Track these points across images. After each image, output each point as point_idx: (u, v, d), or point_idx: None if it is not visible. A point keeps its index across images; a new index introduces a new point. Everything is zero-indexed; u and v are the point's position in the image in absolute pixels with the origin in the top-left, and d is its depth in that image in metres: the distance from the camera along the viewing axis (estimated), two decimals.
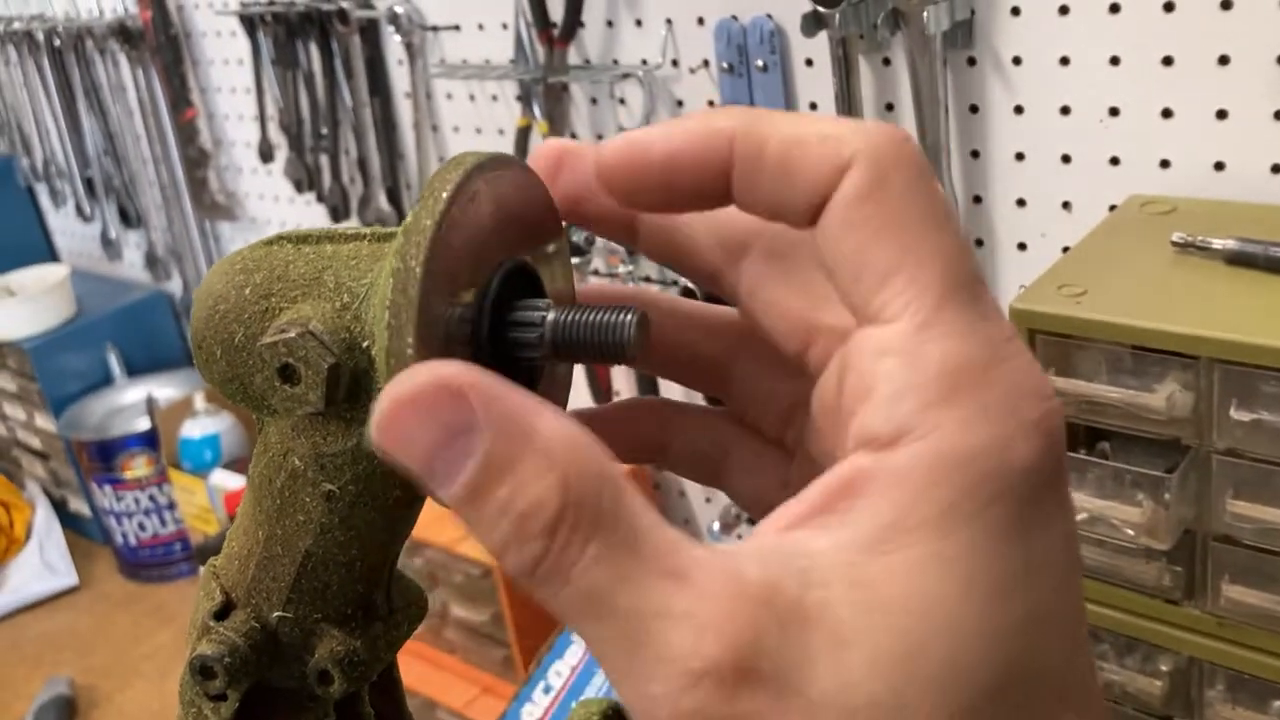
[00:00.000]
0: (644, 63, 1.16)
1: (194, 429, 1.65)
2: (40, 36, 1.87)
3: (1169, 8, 0.83)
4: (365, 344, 0.30)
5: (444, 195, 0.29)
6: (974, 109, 0.96)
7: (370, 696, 0.38)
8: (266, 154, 1.61)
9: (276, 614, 0.33)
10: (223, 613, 0.34)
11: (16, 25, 1.91)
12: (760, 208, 0.24)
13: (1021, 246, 0.98)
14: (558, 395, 0.35)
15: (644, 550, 0.20)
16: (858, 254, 0.22)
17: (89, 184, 2.00)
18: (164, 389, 1.84)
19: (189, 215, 1.85)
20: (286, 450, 0.32)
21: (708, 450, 0.30)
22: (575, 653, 1.13)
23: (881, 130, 0.23)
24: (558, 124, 1.24)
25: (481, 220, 0.31)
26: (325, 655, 0.34)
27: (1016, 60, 0.92)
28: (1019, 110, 0.94)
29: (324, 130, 1.51)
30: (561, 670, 1.12)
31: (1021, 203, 0.97)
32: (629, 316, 0.30)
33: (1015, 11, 0.91)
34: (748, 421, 0.30)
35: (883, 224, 0.22)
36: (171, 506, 1.76)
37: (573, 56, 1.21)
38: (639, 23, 1.15)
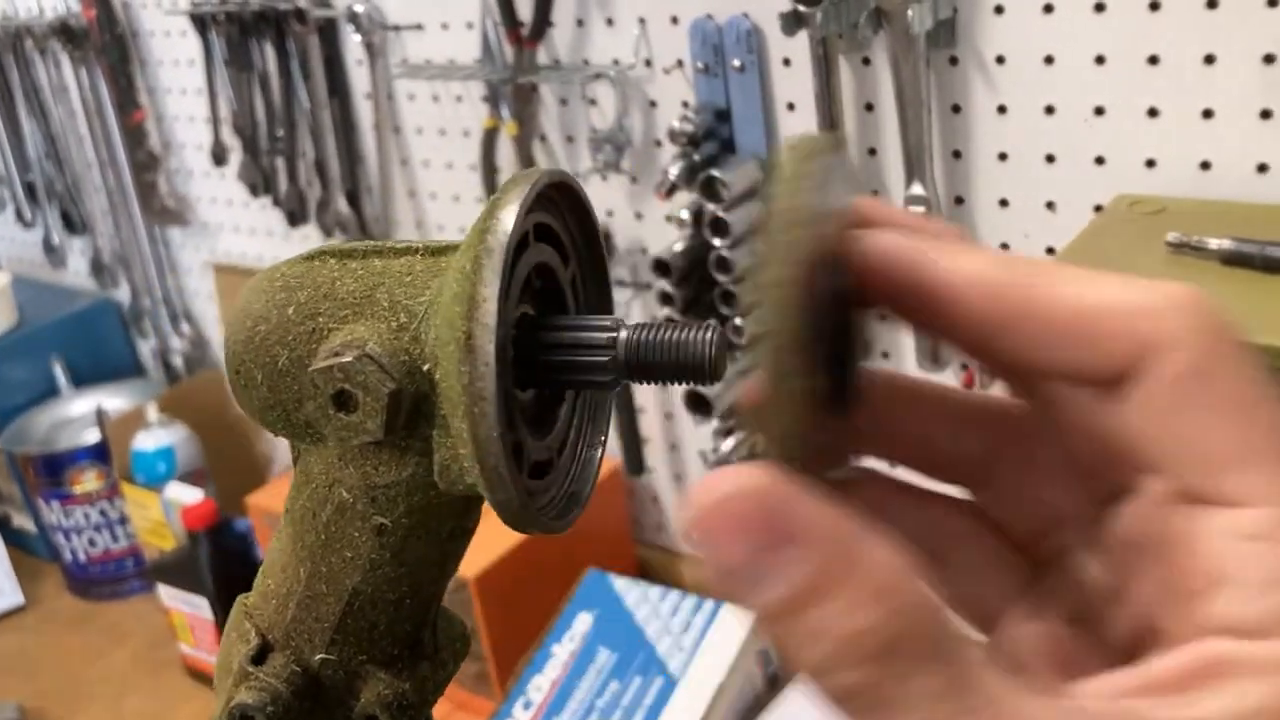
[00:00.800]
0: (616, 63, 1.14)
1: (147, 441, 1.60)
2: None
3: (1154, 7, 0.83)
4: (426, 367, 0.28)
5: (512, 214, 0.27)
6: (956, 109, 0.95)
7: None
8: (220, 157, 1.57)
9: (319, 656, 0.31)
10: (260, 656, 0.31)
11: None
12: (1034, 365, 0.24)
13: (1005, 247, 0.98)
14: (601, 420, 0.33)
15: (980, 689, 0.20)
16: (1194, 435, 0.22)
17: (29, 189, 1.93)
18: (113, 400, 1.78)
19: (137, 220, 1.79)
20: (333, 482, 0.29)
21: (927, 540, 0.27)
22: (555, 666, 1.11)
23: (1192, 301, 0.22)
24: (527, 125, 1.22)
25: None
26: (372, 699, 0.32)
27: (1000, 59, 0.92)
28: (1002, 110, 0.93)
29: (280, 132, 1.47)
30: (541, 685, 1.10)
31: (1005, 203, 0.96)
32: (709, 334, 0.28)
33: (999, 10, 0.90)
34: (989, 516, 0.27)
35: (1219, 405, 0.22)
36: (123, 521, 1.70)
37: (542, 56, 1.18)
38: (610, 22, 1.13)
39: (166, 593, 1.45)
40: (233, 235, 1.70)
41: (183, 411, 1.64)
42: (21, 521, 1.87)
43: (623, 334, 0.28)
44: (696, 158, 1.06)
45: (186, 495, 1.51)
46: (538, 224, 0.29)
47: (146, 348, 1.95)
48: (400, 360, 0.28)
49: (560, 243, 0.30)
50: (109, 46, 1.62)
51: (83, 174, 1.84)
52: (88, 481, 1.68)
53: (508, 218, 0.26)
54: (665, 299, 1.08)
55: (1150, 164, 0.87)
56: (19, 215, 1.97)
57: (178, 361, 1.89)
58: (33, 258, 2.05)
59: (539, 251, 0.29)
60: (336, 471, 0.29)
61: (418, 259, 0.29)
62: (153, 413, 1.61)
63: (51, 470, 1.68)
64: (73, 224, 1.90)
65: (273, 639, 0.32)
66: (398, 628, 0.31)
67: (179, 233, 1.79)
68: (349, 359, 0.27)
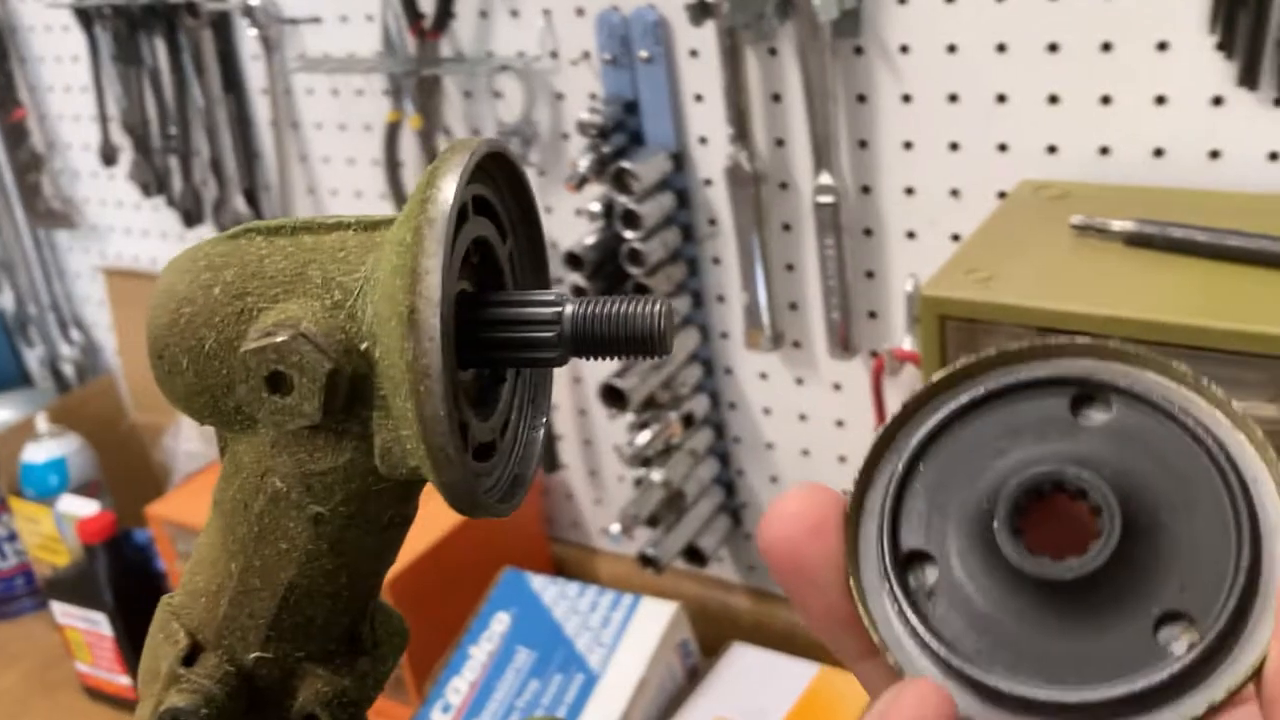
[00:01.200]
0: (521, 54, 1.13)
1: (37, 453, 1.53)
2: None
3: None
4: (364, 346, 0.26)
5: (453, 183, 0.26)
6: (862, 98, 0.96)
7: None
8: (109, 157, 1.51)
9: (254, 654, 0.30)
10: (191, 657, 0.30)
11: None
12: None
13: (910, 235, 0.99)
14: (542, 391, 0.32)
15: None
16: None
17: None
18: (0, 411, 1.71)
19: (20, 224, 1.72)
20: (265, 470, 0.28)
21: None
22: (473, 668, 1.09)
23: None
24: (430, 118, 1.20)
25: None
26: (311, 697, 0.30)
27: (904, 48, 0.93)
28: (907, 99, 0.94)
29: (173, 130, 1.43)
30: (460, 687, 1.08)
31: (910, 191, 0.97)
32: (657, 306, 0.28)
33: (902, 0, 0.91)
34: None
35: None
36: (12, 538, 1.63)
37: (445, 49, 1.17)
38: (515, 13, 1.12)
39: (61, 610, 1.39)
40: (124, 238, 1.64)
41: (75, 421, 1.58)
42: None
43: (568, 308, 0.27)
44: (605, 150, 1.06)
45: (81, 508, 1.45)
46: (475, 196, 0.28)
47: (34, 356, 1.87)
48: (336, 339, 0.26)
49: (497, 216, 0.29)
50: None
51: None
52: None
53: (448, 187, 0.25)
54: (578, 292, 1.07)
55: (1052, 150, 0.89)
56: None
57: (68, 370, 1.82)
58: None
59: (478, 225, 0.28)
60: (269, 460, 0.28)
61: (350, 234, 0.28)
62: (42, 423, 1.54)
63: None
64: None
65: (203, 639, 0.30)
66: (335, 622, 0.30)
67: (66, 236, 1.72)
68: (282, 338, 0.26)
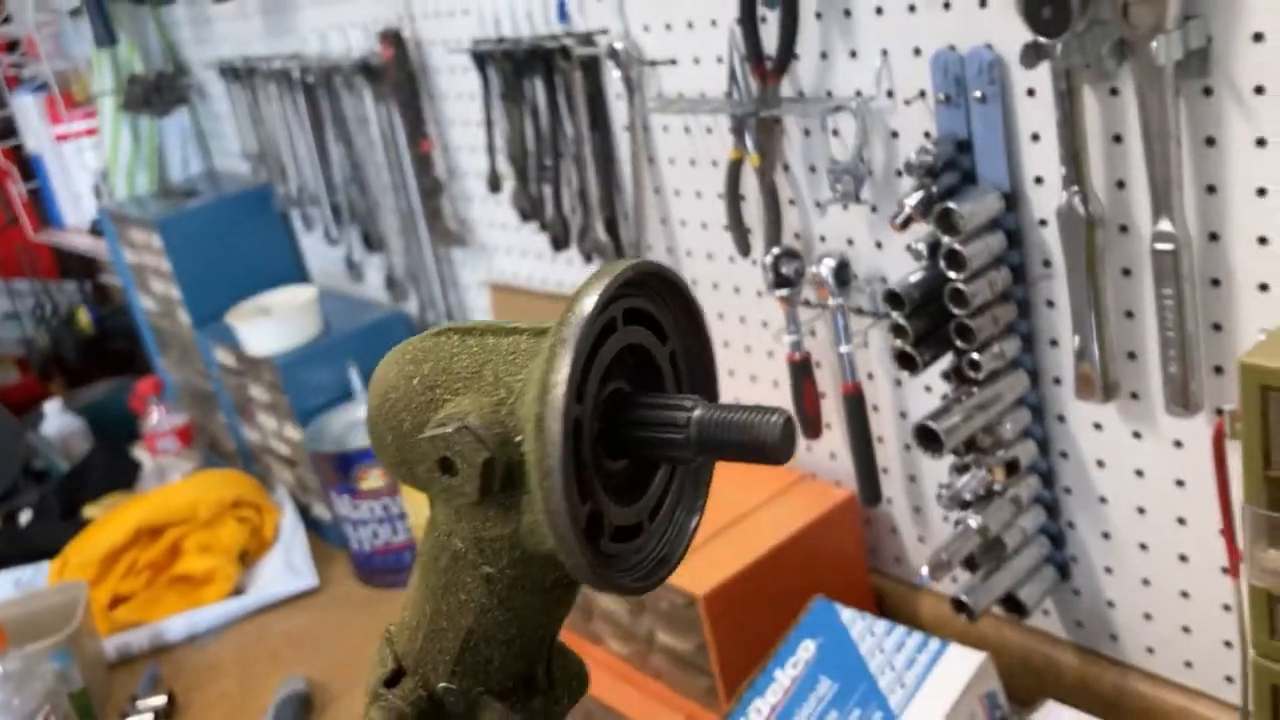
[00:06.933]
0: (858, 94, 1.14)
1: None
2: (296, 74, 2.01)
3: None
4: (518, 439, 0.31)
5: (590, 304, 0.29)
6: (1210, 141, 0.90)
7: None
8: (495, 184, 1.68)
9: (442, 684, 0.35)
10: (393, 680, 0.36)
11: (276, 64, 2.07)
12: None
13: (1264, 287, 0.91)
14: (699, 490, 0.35)
15: None
16: None
17: (336, 210, 2.13)
18: None
19: (425, 241, 1.95)
20: (450, 532, 0.33)
21: None
22: (777, 691, 1.12)
23: None
24: (769, 156, 1.24)
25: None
26: None
27: (1259, 90, 0.86)
28: (1261, 143, 0.87)
29: (547, 162, 1.56)
30: (761, 708, 1.11)
31: (1264, 241, 0.90)
32: (775, 417, 0.30)
33: (1258, 37, 0.84)
34: None
35: None
36: (402, 517, 1.85)
37: (786, 89, 1.20)
38: (853, 54, 1.14)
39: None
40: (505, 256, 1.82)
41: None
42: (320, 511, 2.06)
43: (696, 413, 0.30)
44: (934, 189, 1.05)
45: None
46: (631, 309, 0.31)
47: None
48: (495, 432, 0.31)
49: (658, 324, 0.32)
50: (402, 82, 1.77)
51: (379, 198, 2.02)
52: (372, 479, 1.84)
53: (583, 310, 0.29)
54: (898, 331, 1.07)
55: None
56: (327, 234, 2.17)
57: None
58: (337, 272, 2.26)
59: (631, 334, 0.31)
60: (452, 523, 0.33)
61: (523, 339, 0.32)
62: None
63: (343, 467, 1.85)
64: (371, 243, 2.08)
65: (406, 665, 0.36)
66: (511, 664, 0.35)
67: (460, 252, 1.93)
68: (450, 430, 0.31)
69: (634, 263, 0.31)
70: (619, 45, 1.37)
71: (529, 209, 1.63)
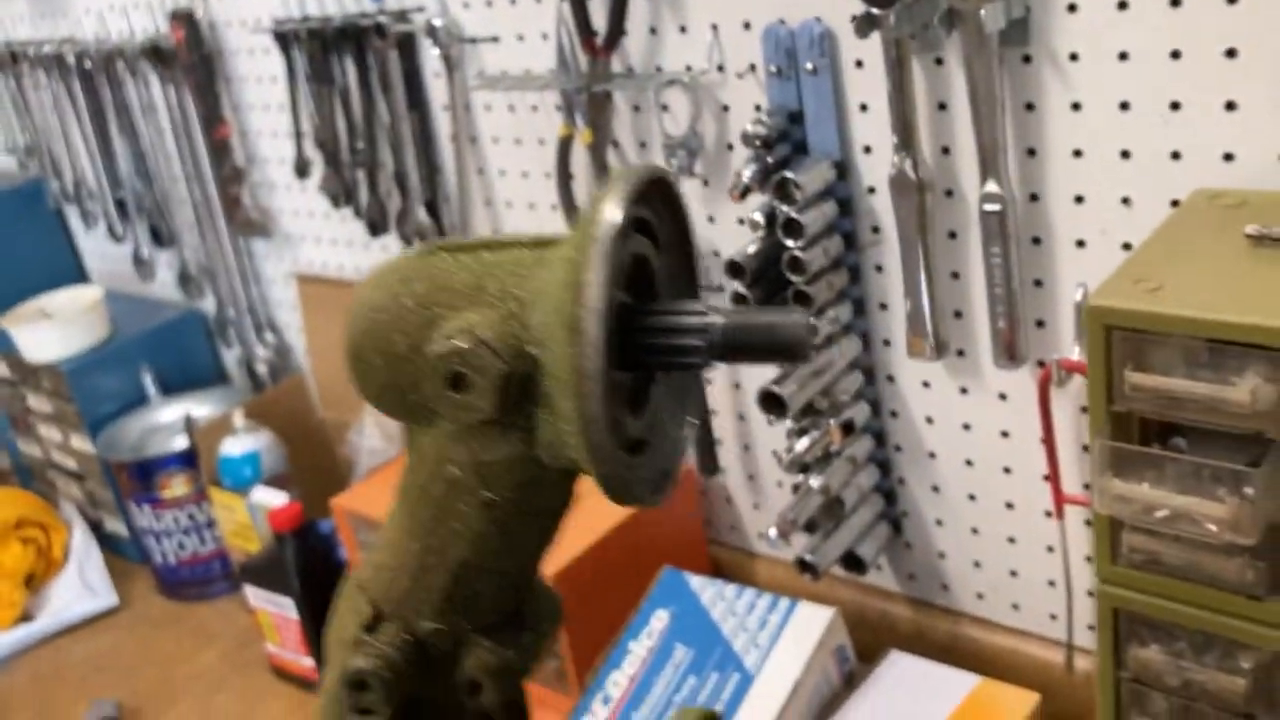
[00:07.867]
0: (689, 69, 1.16)
1: (233, 447, 1.65)
2: (71, 59, 1.88)
3: (1231, 0, 0.83)
4: (532, 351, 0.29)
5: (618, 207, 0.28)
6: (1030, 106, 0.95)
7: None
8: (302, 170, 1.61)
9: (429, 625, 0.33)
10: (373, 625, 0.33)
11: (47, 49, 1.92)
12: None
13: (1080, 244, 0.98)
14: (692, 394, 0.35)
15: None
16: None
17: (120, 205, 2.00)
18: (201, 407, 1.83)
19: (223, 233, 1.85)
20: (444, 460, 0.31)
21: None
22: (633, 662, 1.12)
23: None
24: (601, 132, 1.24)
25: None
26: (475, 665, 0.33)
27: (1074, 56, 0.92)
28: (1076, 107, 0.93)
29: (360, 145, 1.51)
30: (620, 680, 1.11)
31: (1080, 199, 0.96)
32: (800, 316, 0.30)
33: (1072, 8, 0.90)
34: None
35: None
36: (210, 525, 1.76)
37: (615, 65, 1.21)
38: (683, 29, 1.15)
39: (253, 593, 1.49)
40: (314, 246, 1.75)
41: (267, 418, 1.68)
42: (114, 526, 1.93)
43: (716, 318, 0.30)
44: (769, 160, 1.08)
45: (272, 498, 1.55)
46: (636, 217, 0.31)
47: (231, 356, 2.00)
48: (509, 344, 0.29)
49: (654, 234, 0.32)
50: (196, 65, 1.68)
51: (170, 189, 1.91)
52: (177, 486, 1.74)
53: (613, 211, 0.28)
54: (739, 300, 1.09)
55: (1228, 157, 0.87)
56: (110, 230, 2.04)
57: (262, 369, 1.94)
58: (122, 271, 2.12)
59: (636, 243, 0.31)
60: (448, 450, 0.31)
61: (525, 251, 0.31)
62: (239, 419, 1.65)
63: (143, 476, 1.74)
64: (160, 238, 1.97)
65: (385, 610, 0.34)
66: (501, 598, 0.33)
67: (263, 244, 1.84)
68: (464, 344, 0.29)
69: (647, 166, 0.30)
70: (437, 22, 1.34)
71: (341, 195, 1.57)
